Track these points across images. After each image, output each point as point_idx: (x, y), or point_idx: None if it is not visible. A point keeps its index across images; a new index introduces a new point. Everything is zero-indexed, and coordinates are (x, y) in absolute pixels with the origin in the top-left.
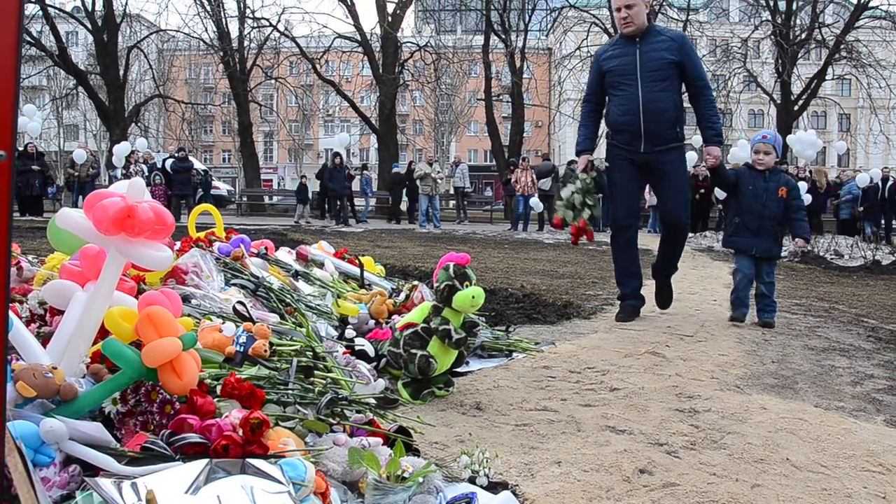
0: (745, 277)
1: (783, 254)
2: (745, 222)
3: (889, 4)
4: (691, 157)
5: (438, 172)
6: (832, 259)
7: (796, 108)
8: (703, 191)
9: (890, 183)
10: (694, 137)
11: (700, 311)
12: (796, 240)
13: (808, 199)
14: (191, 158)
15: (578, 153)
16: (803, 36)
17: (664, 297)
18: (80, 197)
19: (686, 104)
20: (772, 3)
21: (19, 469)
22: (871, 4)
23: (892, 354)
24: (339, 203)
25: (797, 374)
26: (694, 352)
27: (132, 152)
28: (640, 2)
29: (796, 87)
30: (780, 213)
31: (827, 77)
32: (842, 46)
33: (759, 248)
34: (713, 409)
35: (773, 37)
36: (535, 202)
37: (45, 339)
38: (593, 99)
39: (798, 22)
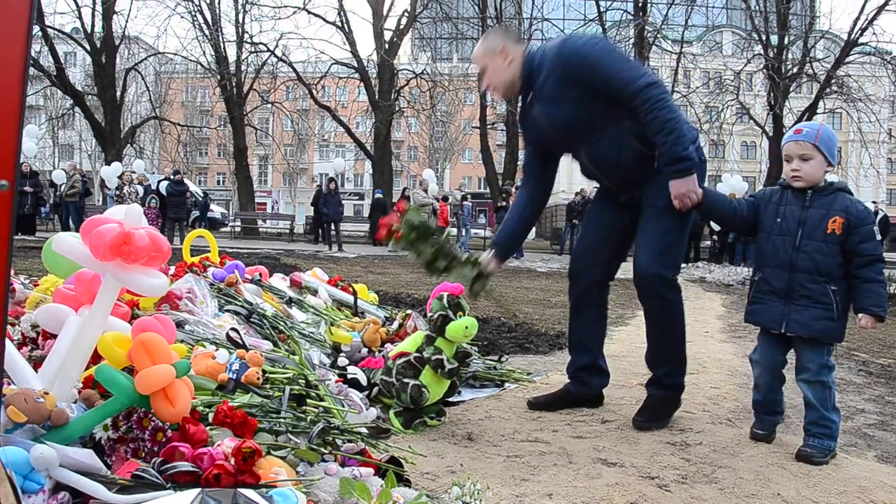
0: (766, 372)
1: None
2: (767, 279)
3: (878, 41)
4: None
5: (433, 198)
6: None
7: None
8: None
9: (880, 216)
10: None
11: (692, 342)
12: (861, 317)
13: None
14: (186, 181)
15: (492, 244)
16: (795, 70)
17: (648, 413)
18: (67, 217)
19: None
20: (764, 38)
21: (10, 500)
22: (860, 41)
23: (882, 389)
24: (333, 228)
25: (789, 407)
26: (685, 384)
27: (123, 173)
28: (489, 58)
29: (788, 120)
30: (828, 262)
31: (818, 111)
32: (833, 81)
33: (792, 323)
34: (705, 442)
35: (765, 70)
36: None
37: (36, 363)
38: (527, 179)
39: (790, 56)
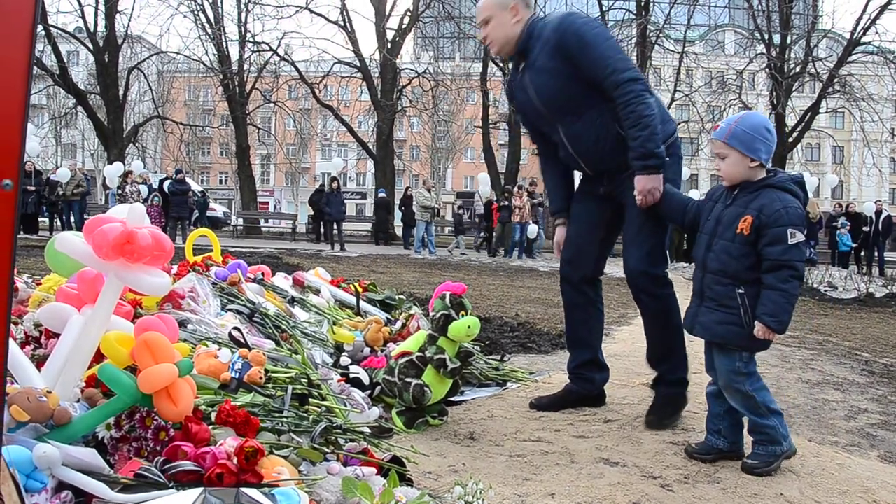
0: (712, 383)
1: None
2: (693, 279)
3: (881, 41)
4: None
5: (436, 199)
6: (826, 291)
7: (791, 140)
8: None
9: (883, 216)
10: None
11: (693, 341)
12: (755, 324)
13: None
14: (188, 180)
15: (553, 214)
16: (798, 69)
17: (657, 410)
18: (69, 216)
19: None
20: (767, 37)
21: (13, 499)
22: (863, 40)
23: (885, 388)
24: (335, 227)
25: (791, 407)
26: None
27: (128, 173)
28: (497, 9)
29: (791, 120)
30: (735, 264)
31: (821, 110)
32: (835, 80)
33: (696, 326)
34: None
35: (767, 70)
36: (533, 229)
37: (39, 362)
38: (543, 149)
39: (792, 55)
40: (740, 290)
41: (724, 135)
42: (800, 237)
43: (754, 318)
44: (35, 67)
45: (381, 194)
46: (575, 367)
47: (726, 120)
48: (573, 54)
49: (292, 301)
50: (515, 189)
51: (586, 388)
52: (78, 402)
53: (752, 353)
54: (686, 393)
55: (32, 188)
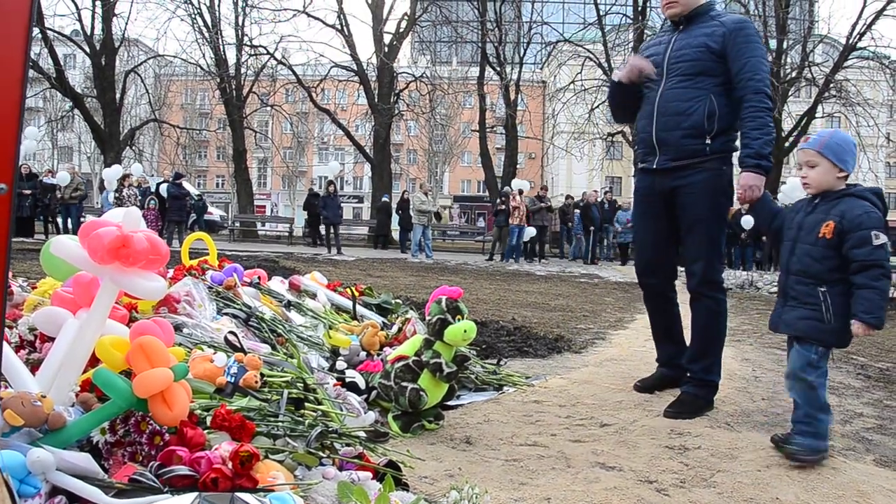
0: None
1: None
2: (778, 283)
3: (876, 46)
4: None
5: (433, 203)
6: None
7: (787, 144)
8: None
9: None
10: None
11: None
12: (852, 323)
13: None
14: (185, 184)
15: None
16: (794, 74)
17: (679, 405)
18: (69, 219)
19: None
20: (763, 42)
21: None
22: (859, 45)
23: (881, 393)
24: (332, 231)
25: (787, 411)
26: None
27: (125, 176)
28: None
29: (787, 125)
30: (817, 265)
31: (817, 115)
32: (831, 85)
33: (782, 324)
34: (703, 446)
35: None
36: (530, 231)
37: (34, 367)
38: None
39: (789, 60)
40: (822, 289)
41: (818, 145)
42: (884, 238)
43: (835, 315)
44: (31, 70)
45: (385, 199)
46: (665, 361)
47: (819, 133)
48: (732, 47)
49: (288, 305)
50: (513, 193)
51: (677, 373)
52: (72, 406)
53: (828, 348)
54: (712, 398)
55: (28, 191)
